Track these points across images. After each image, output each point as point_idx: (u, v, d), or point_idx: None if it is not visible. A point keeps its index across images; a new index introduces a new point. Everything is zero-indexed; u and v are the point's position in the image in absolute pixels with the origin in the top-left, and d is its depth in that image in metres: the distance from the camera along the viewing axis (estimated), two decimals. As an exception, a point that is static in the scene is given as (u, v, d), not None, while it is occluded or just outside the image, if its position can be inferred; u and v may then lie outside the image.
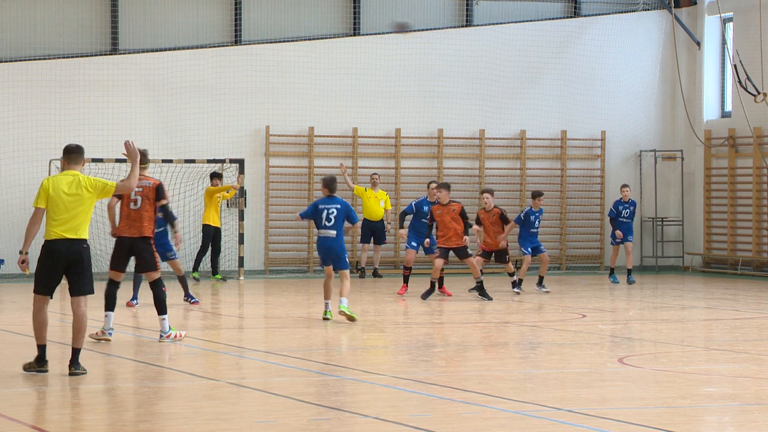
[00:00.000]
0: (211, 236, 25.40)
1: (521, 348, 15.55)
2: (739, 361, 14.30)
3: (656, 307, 21.22)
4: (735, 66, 27.41)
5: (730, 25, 29.29)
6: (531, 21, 29.64)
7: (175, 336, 15.38)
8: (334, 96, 28.17)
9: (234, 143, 27.37)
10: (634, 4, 30.31)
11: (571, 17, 29.94)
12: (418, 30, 28.84)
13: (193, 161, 26.39)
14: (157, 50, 27.34)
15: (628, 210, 25.22)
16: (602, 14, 30.13)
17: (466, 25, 29.35)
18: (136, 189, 15.03)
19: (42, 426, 10.09)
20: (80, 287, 12.49)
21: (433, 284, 21.54)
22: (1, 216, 25.76)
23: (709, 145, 29.37)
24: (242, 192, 26.83)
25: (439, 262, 21.25)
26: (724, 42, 29.23)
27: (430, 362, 14.12)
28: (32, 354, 12.84)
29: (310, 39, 28.44)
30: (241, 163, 26.57)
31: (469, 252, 21.52)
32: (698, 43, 29.79)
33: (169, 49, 27.43)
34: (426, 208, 22.36)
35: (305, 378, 12.75)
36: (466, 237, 21.18)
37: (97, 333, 15.30)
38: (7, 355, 14.29)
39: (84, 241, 12.51)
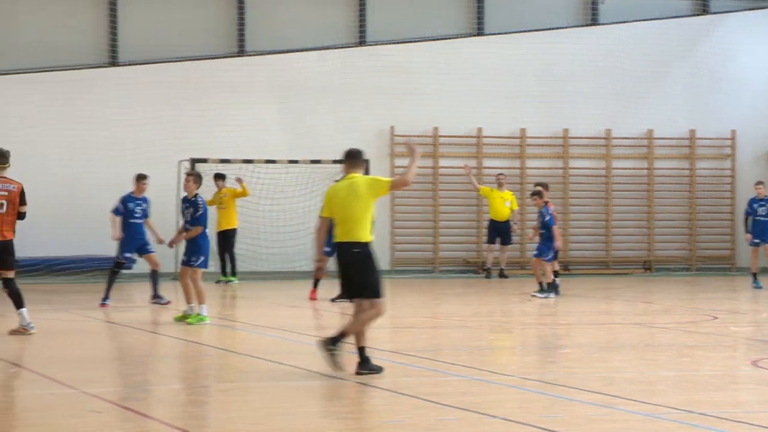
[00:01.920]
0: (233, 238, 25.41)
1: (651, 350, 15.33)
2: None
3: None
4: None
5: None
6: (658, 19, 29.24)
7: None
8: (459, 96, 28.13)
9: (359, 144, 27.41)
10: (764, 0, 29.74)
11: (699, 15, 29.47)
12: (543, 29, 28.67)
13: (318, 162, 26.55)
14: (283, 52, 27.57)
15: (764, 207, 24.56)
16: (731, 11, 29.60)
17: (592, 24, 29.07)
18: (3, 193, 15.18)
19: (169, 421, 10.21)
20: (365, 292, 12.43)
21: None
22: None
23: None
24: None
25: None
26: None
27: (558, 363, 14.00)
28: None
29: (434, 39, 28.43)
30: (366, 163, 26.64)
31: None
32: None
33: (295, 51, 27.65)
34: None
35: (432, 378, 12.72)
36: None
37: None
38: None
39: (363, 244, 12.35)
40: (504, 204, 26.84)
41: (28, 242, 25.58)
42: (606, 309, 20.17)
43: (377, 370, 12.48)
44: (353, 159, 12.57)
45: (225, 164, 25.81)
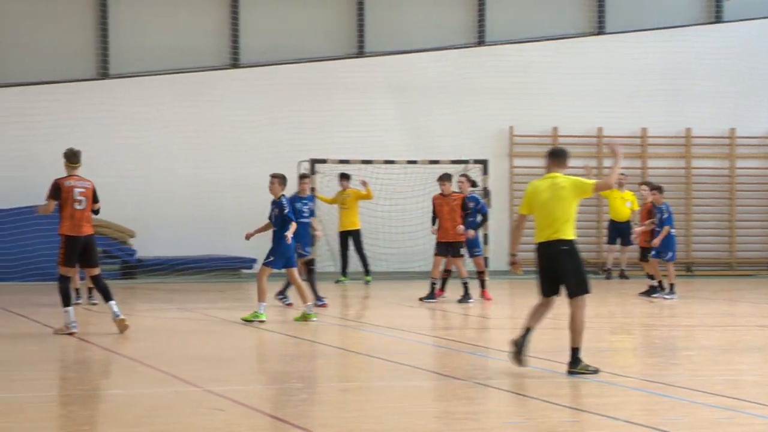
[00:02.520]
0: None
1: (776, 352, 15.09)
2: None
3: None
4: None
5: None
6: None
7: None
8: (578, 95, 27.94)
9: (478, 144, 27.44)
10: None
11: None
12: (666, 27, 28.36)
13: (437, 162, 26.55)
14: (402, 52, 27.65)
15: None
16: None
17: (715, 22, 28.66)
18: (80, 190, 15.63)
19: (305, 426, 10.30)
20: (576, 288, 12.54)
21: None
22: (254, 217, 26.43)
23: None
24: (486, 192, 26.86)
25: None
26: None
27: (680, 365, 13.82)
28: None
29: (553, 39, 28.29)
30: (485, 163, 26.59)
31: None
32: None
33: (414, 51, 27.71)
34: None
35: (552, 379, 12.65)
36: None
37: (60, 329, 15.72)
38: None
39: (569, 241, 12.50)
40: (624, 204, 26.55)
41: (154, 242, 26.04)
42: (730, 311, 19.85)
43: (588, 370, 12.47)
44: (557, 158, 12.60)
45: (344, 165, 25.97)
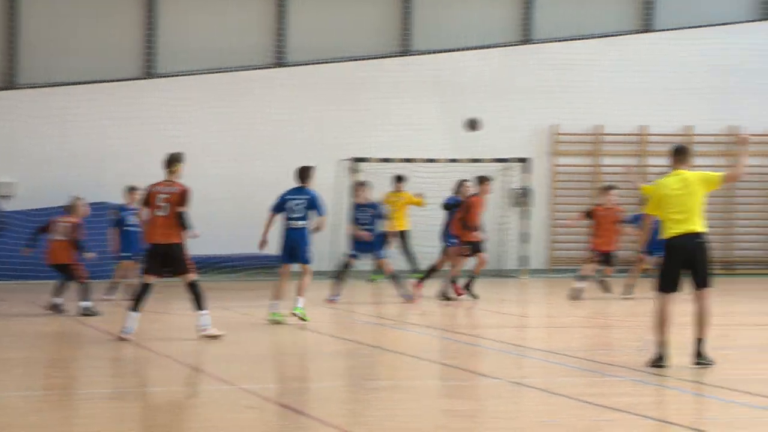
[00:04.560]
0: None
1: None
2: None
3: None
4: None
5: None
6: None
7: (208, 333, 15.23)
8: (624, 93, 27.79)
9: (521, 142, 27.36)
10: None
11: None
12: (716, 24, 28.18)
13: (479, 161, 26.50)
14: (446, 51, 27.63)
15: None
16: None
17: (764, 19, 28.46)
18: (164, 195, 15.10)
19: (308, 413, 10.31)
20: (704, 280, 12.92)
21: None
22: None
23: None
24: (527, 191, 26.79)
25: None
26: None
27: (717, 365, 13.70)
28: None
29: (599, 36, 28.16)
30: (527, 162, 26.52)
31: None
32: None
33: (458, 50, 27.68)
34: None
35: (587, 378, 12.61)
36: None
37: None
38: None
39: (702, 234, 12.87)
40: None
41: (194, 240, 26.14)
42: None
43: (711, 362, 12.84)
44: (681, 155, 12.99)
45: (385, 163, 25.96)
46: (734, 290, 23.73)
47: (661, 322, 12.97)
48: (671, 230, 12.86)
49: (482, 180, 20.89)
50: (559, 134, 27.67)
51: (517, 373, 13.10)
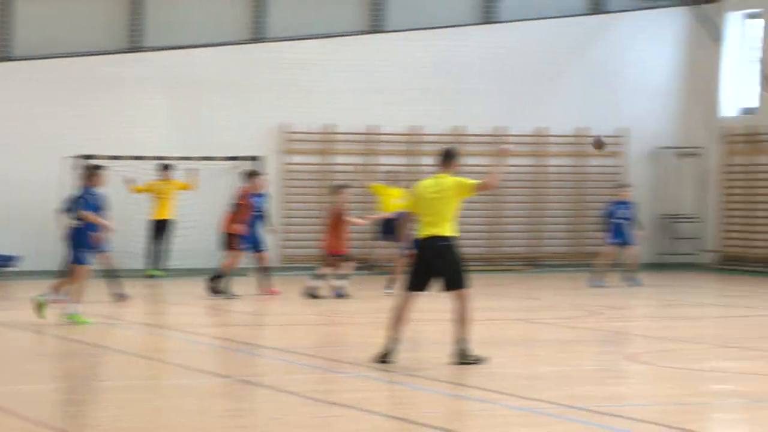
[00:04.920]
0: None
1: (533, 345, 15.52)
2: (751, 359, 14.23)
3: (669, 305, 21.13)
4: (761, 62, 27.28)
5: (752, 22, 29.09)
6: (553, 18, 29.55)
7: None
8: (355, 93, 28.14)
9: (253, 141, 27.36)
10: (657, 0, 30.19)
11: (593, 14, 29.86)
12: (443, 27, 28.86)
13: (211, 158, 26.37)
14: (178, 47, 27.41)
15: (627, 211, 24.50)
16: (625, 11, 30.01)
17: (488, 22, 29.30)
18: None
19: (49, 422, 10.12)
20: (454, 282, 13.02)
21: None
22: (18, 213, 25.88)
23: (728, 142, 29.22)
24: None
25: None
26: (745, 39, 29.09)
27: (442, 359, 14.05)
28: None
29: (331, 36, 28.46)
30: (259, 160, 26.53)
31: None
32: (719, 40, 29.60)
33: (190, 47, 27.50)
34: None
35: (316, 375, 12.75)
36: None
37: None
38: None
39: (448, 237, 12.97)
40: (391, 201, 26.70)
41: None
42: (490, 305, 20.32)
43: (479, 359, 12.93)
44: (446, 158, 13.21)
45: (114, 161, 25.45)
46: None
47: (396, 319, 13.14)
48: (421, 232, 13.11)
49: (251, 175, 21.34)
50: (291, 132, 27.81)
51: (247, 371, 13.15)
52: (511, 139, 28.70)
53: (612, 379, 12.88)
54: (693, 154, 29.93)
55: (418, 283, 13.11)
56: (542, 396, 11.36)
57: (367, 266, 26.60)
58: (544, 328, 17.47)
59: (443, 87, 28.61)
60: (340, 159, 27.97)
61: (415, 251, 13.25)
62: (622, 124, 29.38)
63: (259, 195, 21.99)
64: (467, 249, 28.57)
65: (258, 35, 28.04)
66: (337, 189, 21.57)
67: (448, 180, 13.11)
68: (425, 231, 13.06)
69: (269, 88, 27.68)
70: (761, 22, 28.69)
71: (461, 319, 13.08)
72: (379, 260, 23.34)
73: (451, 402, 11.23)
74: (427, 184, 13.22)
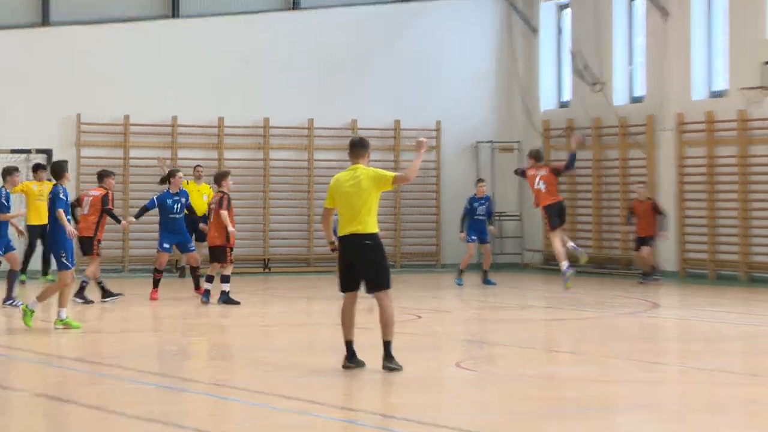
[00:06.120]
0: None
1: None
2: (581, 363, 13.50)
3: (495, 307, 20.25)
4: (573, 54, 26.73)
5: (566, 12, 28.50)
6: (360, 5, 28.51)
7: None
8: (152, 82, 26.67)
9: (43, 132, 25.66)
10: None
11: (402, 1, 28.88)
12: (242, 13, 27.63)
13: (-3, 151, 24.59)
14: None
15: (483, 206, 23.80)
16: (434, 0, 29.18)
17: (292, 8, 28.14)
18: None
19: None
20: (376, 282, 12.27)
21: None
22: None
23: (548, 135, 28.44)
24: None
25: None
26: (560, 29, 28.53)
27: (254, 367, 12.93)
28: None
29: (125, 21, 26.96)
30: (49, 153, 24.85)
31: None
32: (534, 30, 28.94)
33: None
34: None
35: (119, 387, 11.48)
36: None
37: None
38: None
39: (372, 235, 12.23)
40: (202, 198, 25.34)
41: None
42: (306, 309, 19.37)
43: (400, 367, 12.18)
44: (357, 148, 12.41)
45: None
46: (273, 289, 23.26)
47: (342, 323, 12.38)
48: (341, 229, 12.29)
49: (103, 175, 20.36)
50: (85, 124, 26.21)
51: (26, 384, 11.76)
52: (317, 132, 27.68)
53: (436, 386, 12.03)
54: (511, 149, 29.15)
55: (349, 282, 12.30)
56: (360, 405, 10.73)
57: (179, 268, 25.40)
58: (362, 332, 16.30)
59: (244, 77, 27.34)
60: (137, 152, 26.49)
61: (338, 250, 12.35)
62: (435, 116, 28.50)
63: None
64: (280, 249, 27.84)
65: (44, 19, 26.37)
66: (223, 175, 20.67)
67: (365, 171, 12.27)
68: (346, 228, 12.22)
69: (60, 76, 26.06)
70: (570, 12, 28.16)
71: (385, 323, 12.21)
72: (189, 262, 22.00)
73: (267, 414, 10.16)
74: (343, 177, 12.36)
